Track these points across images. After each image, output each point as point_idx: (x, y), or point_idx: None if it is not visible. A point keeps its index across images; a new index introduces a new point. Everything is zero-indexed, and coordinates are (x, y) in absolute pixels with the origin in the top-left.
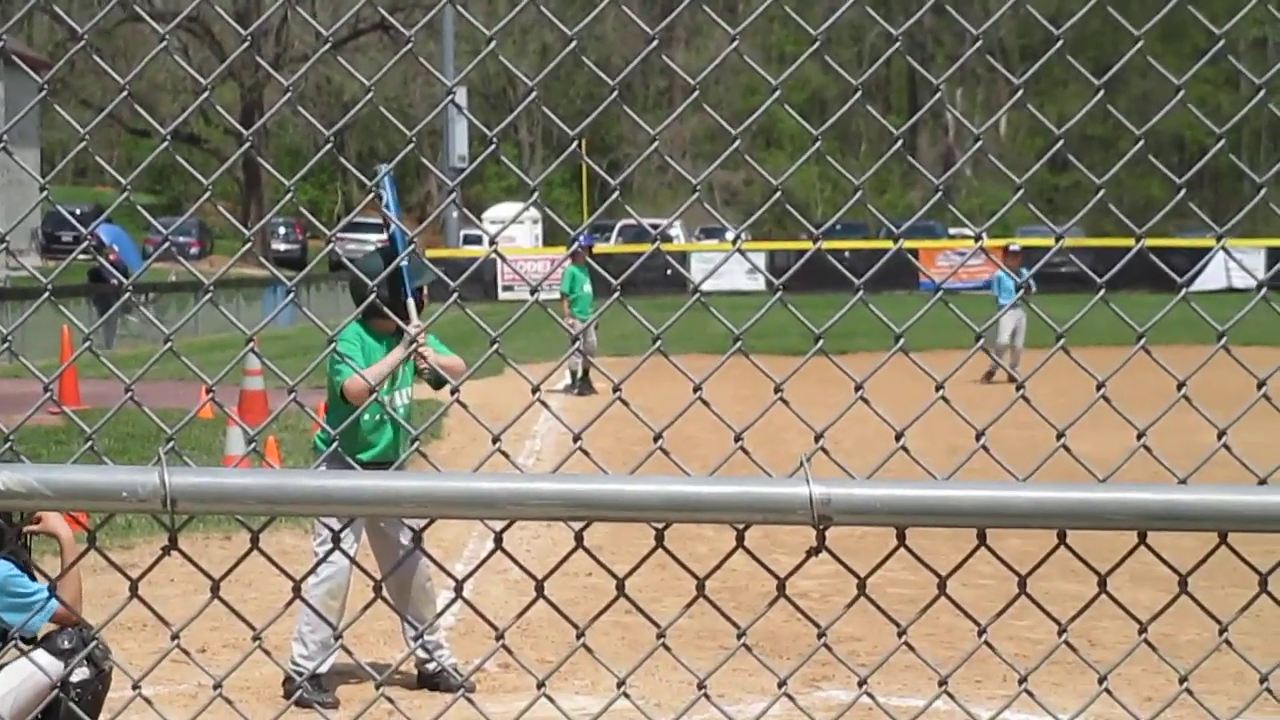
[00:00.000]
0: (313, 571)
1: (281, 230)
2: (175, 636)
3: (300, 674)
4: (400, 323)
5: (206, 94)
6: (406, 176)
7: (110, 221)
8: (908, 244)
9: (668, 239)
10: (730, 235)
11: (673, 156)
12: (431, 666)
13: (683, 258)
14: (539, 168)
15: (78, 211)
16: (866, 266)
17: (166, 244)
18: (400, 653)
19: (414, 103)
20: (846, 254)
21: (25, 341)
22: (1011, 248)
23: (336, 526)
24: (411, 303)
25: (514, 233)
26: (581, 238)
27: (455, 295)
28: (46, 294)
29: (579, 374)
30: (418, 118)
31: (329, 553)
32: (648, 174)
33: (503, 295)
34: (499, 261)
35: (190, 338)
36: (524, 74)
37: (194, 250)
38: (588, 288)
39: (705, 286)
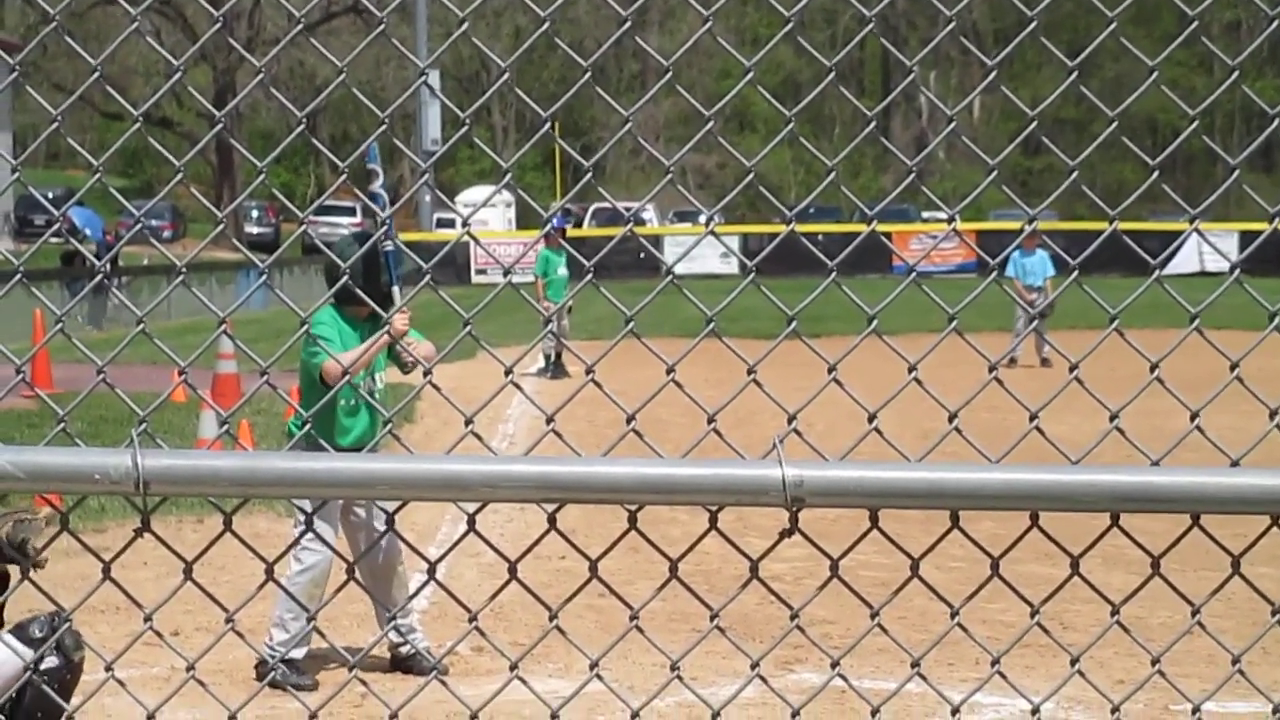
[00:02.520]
0: (293, 556)
1: (254, 213)
2: (148, 619)
3: (274, 657)
4: (380, 311)
5: (179, 76)
6: (380, 160)
7: (82, 204)
8: (882, 227)
9: (641, 222)
10: (703, 219)
11: (646, 140)
12: (405, 650)
13: (656, 241)
14: (512, 151)
15: (50, 195)
16: (840, 250)
17: (139, 226)
18: (373, 636)
19: (387, 86)
20: (820, 237)
21: None
22: (1028, 228)
23: (310, 510)
24: (396, 290)
25: (486, 216)
26: (555, 220)
27: (428, 278)
28: (19, 276)
29: (552, 357)
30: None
31: (303, 534)
32: (621, 157)
33: (475, 279)
34: (472, 245)
35: (163, 321)
36: (497, 56)
37: (167, 233)
38: (562, 270)
39: (679, 270)
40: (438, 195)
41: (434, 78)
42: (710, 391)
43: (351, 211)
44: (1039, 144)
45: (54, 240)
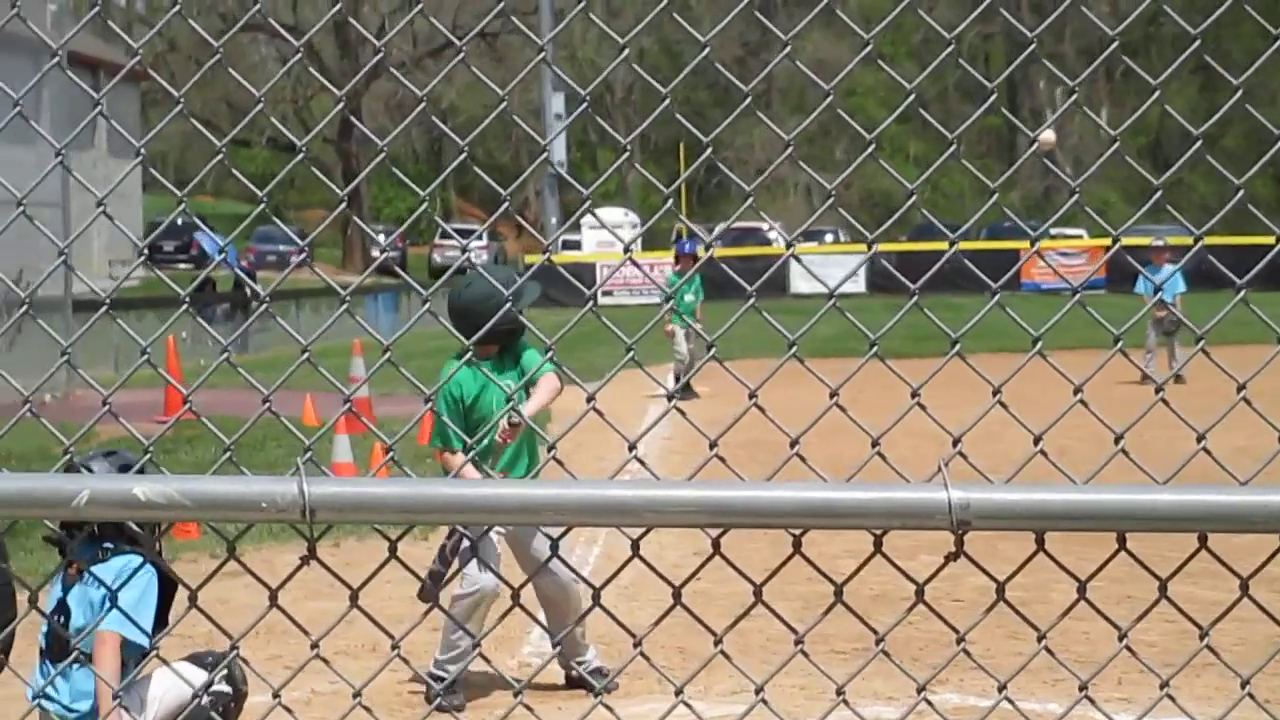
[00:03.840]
0: (458, 581)
1: (381, 238)
2: (315, 645)
3: (439, 679)
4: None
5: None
6: (505, 182)
7: (211, 230)
8: (1009, 245)
9: (767, 242)
10: (830, 239)
11: (771, 159)
12: (574, 673)
13: (782, 261)
14: (635, 174)
15: (179, 223)
16: (969, 267)
17: (305, 255)
18: (517, 658)
19: (512, 109)
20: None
21: (128, 352)
22: (1156, 243)
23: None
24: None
25: (613, 238)
26: (685, 245)
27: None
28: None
29: (680, 381)
30: (515, 125)
31: (466, 562)
32: (746, 177)
33: (603, 300)
34: (599, 266)
35: (291, 347)
36: (621, 79)
37: (294, 259)
38: (689, 296)
39: (803, 289)
40: (595, 217)
41: (559, 102)
42: (836, 413)
43: (477, 235)
44: (1168, 159)
45: (183, 267)
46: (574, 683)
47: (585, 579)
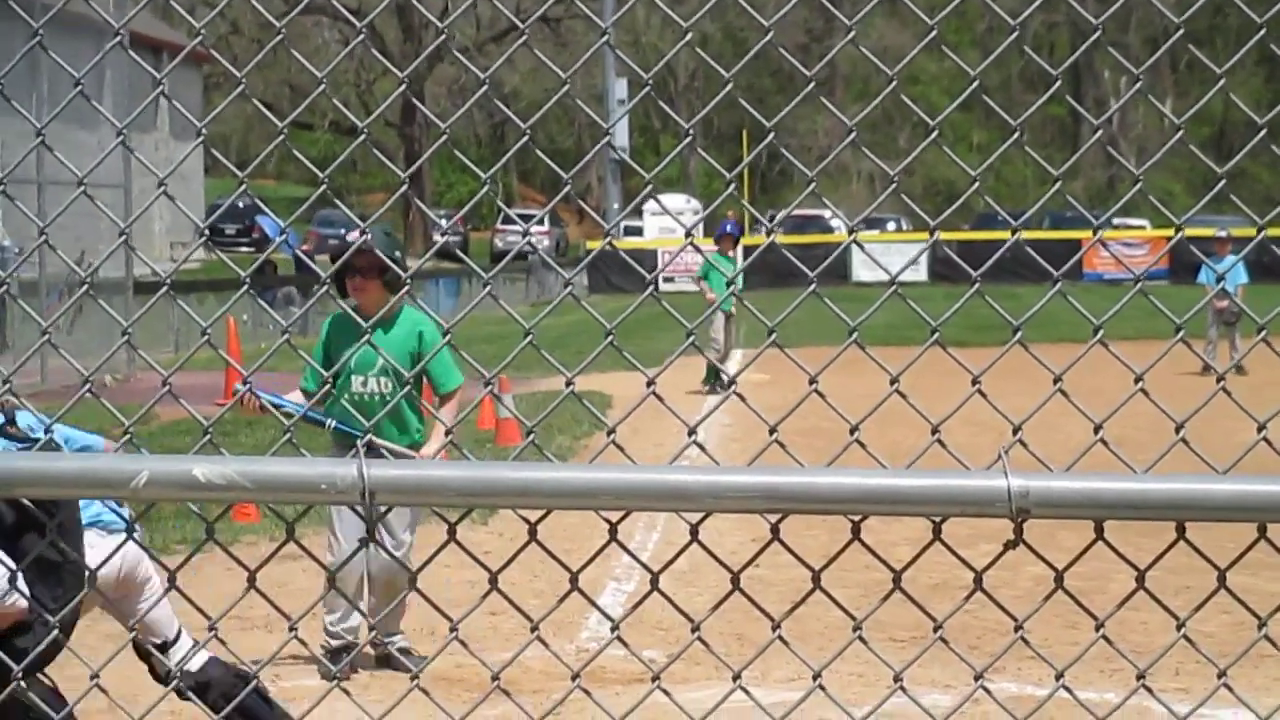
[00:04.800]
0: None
1: (443, 222)
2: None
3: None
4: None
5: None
6: (567, 168)
7: (271, 213)
8: (1071, 235)
9: (829, 230)
10: (892, 226)
11: (833, 146)
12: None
13: (844, 247)
14: (698, 158)
15: (240, 206)
16: (1029, 256)
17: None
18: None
19: (574, 93)
20: (1009, 246)
21: (189, 335)
22: (1220, 234)
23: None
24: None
25: (675, 224)
26: (726, 224)
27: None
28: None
29: (717, 370)
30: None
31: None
32: (809, 164)
33: (664, 286)
34: (660, 252)
35: None
36: (685, 65)
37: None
38: (728, 278)
39: (865, 277)
40: (661, 205)
41: (621, 87)
42: (897, 401)
43: (540, 220)
44: (1230, 149)
45: (245, 250)
46: (383, 661)
47: (645, 564)
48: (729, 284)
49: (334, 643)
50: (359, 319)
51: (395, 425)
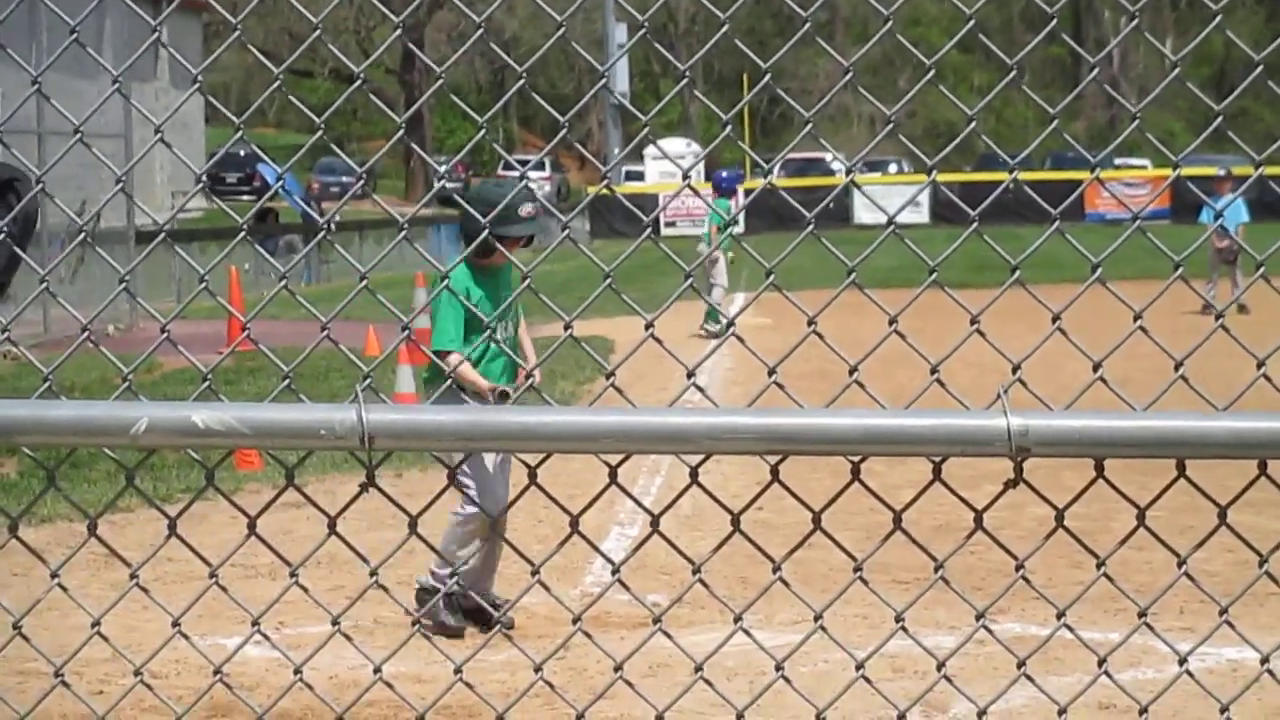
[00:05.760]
0: (454, 508)
1: (443, 169)
2: (374, 573)
3: (432, 590)
4: (515, 262)
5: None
6: (566, 113)
7: (271, 161)
8: (1073, 175)
9: (830, 173)
10: (893, 169)
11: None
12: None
13: (841, 188)
14: (699, 103)
15: (241, 154)
16: (1028, 196)
17: (363, 182)
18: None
19: (574, 38)
20: (1009, 185)
21: (190, 284)
22: (1219, 172)
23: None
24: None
25: (675, 168)
26: (723, 176)
27: (566, 234)
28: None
29: (717, 311)
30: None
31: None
32: (807, 107)
33: (665, 230)
34: (661, 197)
35: (352, 278)
36: (685, 9)
37: (355, 191)
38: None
39: (865, 220)
40: (657, 145)
41: (621, 31)
42: (896, 341)
43: (540, 165)
44: (1232, 88)
45: (246, 199)
46: (470, 614)
47: (646, 508)
48: (725, 227)
49: (465, 602)
50: (515, 263)
51: (513, 366)
